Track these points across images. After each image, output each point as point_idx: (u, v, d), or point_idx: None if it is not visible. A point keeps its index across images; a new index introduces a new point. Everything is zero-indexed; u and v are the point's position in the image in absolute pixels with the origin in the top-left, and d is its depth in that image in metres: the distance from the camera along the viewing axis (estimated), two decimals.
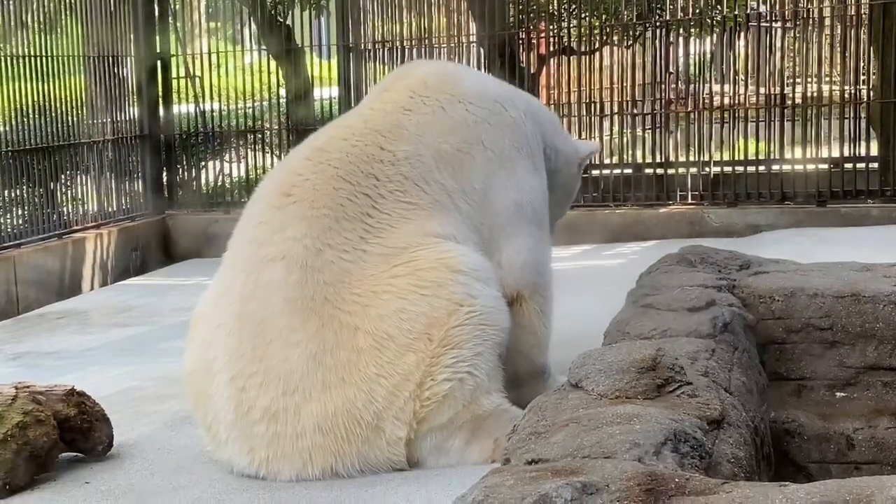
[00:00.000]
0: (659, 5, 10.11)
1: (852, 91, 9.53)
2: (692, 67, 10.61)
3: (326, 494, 3.48)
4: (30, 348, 6.97)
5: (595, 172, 9.90)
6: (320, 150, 4.03)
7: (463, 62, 10.13)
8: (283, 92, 10.99)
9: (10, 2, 8.83)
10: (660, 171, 9.94)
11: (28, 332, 7.57)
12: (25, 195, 9.09)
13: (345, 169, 3.93)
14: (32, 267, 8.60)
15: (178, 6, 11.19)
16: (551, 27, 10.50)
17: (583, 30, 10.25)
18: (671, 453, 2.27)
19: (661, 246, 8.06)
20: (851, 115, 9.52)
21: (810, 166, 9.54)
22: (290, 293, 3.67)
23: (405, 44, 10.49)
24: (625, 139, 10.13)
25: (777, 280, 3.98)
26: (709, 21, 10.30)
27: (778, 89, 9.80)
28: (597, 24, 10.26)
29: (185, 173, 11.12)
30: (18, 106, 8.87)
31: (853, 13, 9.58)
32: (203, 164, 11.21)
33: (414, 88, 4.22)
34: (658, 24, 10.09)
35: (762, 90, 9.94)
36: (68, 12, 9.71)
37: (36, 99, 9.04)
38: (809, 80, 9.69)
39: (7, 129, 8.82)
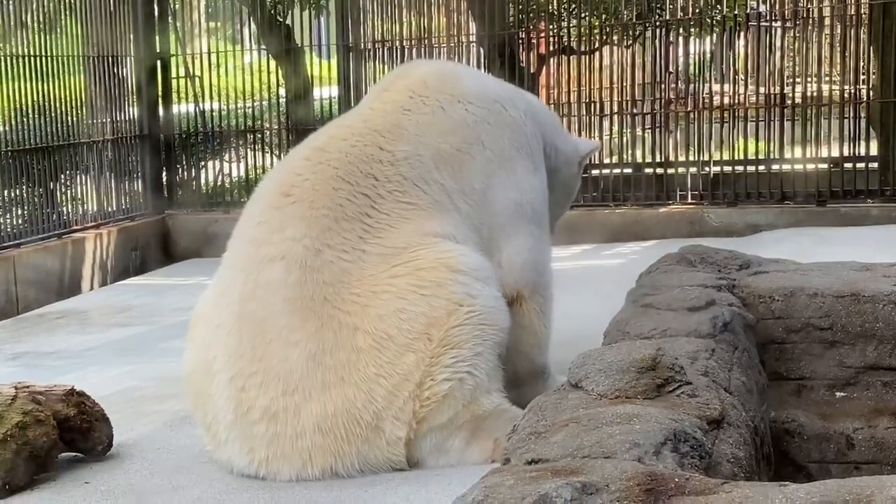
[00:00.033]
0: (659, 5, 10.11)
1: (852, 91, 9.53)
2: (692, 67, 10.62)
3: (326, 494, 3.48)
4: (29, 348, 6.96)
5: (595, 172, 9.90)
6: (320, 150, 4.03)
7: (463, 62, 10.13)
8: (282, 92, 10.99)
9: (10, 2, 8.82)
10: (660, 170, 9.95)
11: (28, 331, 7.57)
12: (25, 195, 9.09)
13: (344, 169, 3.92)
14: (32, 267, 8.60)
15: (177, 6, 11.19)
16: (551, 27, 10.50)
17: (582, 29, 10.25)
18: (671, 453, 2.27)
19: (660, 246, 8.06)
20: (851, 114, 9.52)
21: (810, 166, 9.54)
22: (289, 293, 3.67)
23: (405, 43, 10.49)
24: (624, 139, 10.13)
25: (777, 280, 3.98)
26: (708, 21, 10.30)
27: (778, 89, 9.80)
28: (596, 23, 10.26)
29: (185, 173, 11.12)
30: (18, 106, 8.87)
31: (853, 13, 9.58)
32: (203, 163, 11.21)
33: (413, 88, 4.22)
34: (658, 23, 10.09)
35: (762, 90, 9.94)
36: (68, 12, 9.71)
37: (36, 99, 9.04)
38: (809, 79, 9.69)
39: (7, 128, 8.81)
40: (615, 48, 10.15)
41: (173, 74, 11.00)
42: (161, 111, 10.89)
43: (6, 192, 8.85)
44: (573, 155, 4.82)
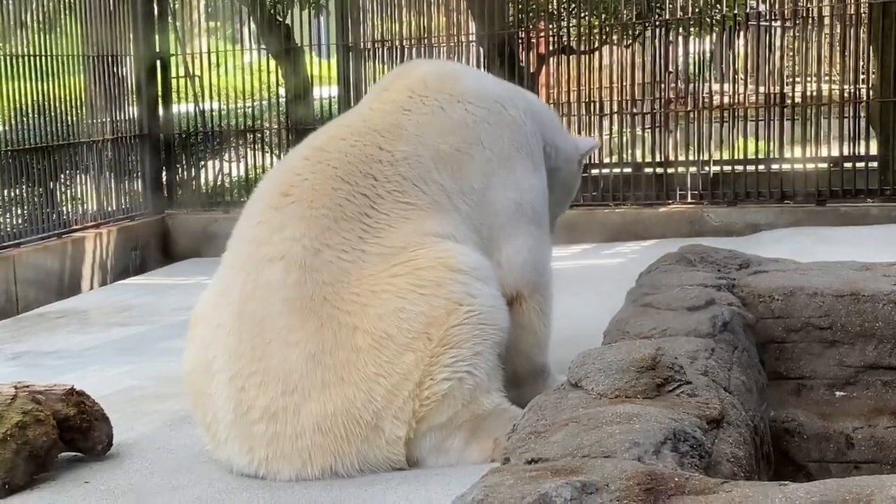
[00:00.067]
0: (658, 4, 10.11)
1: (852, 90, 9.53)
2: (692, 66, 10.62)
3: (326, 494, 3.48)
4: (29, 348, 6.96)
5: (595, 171, 9.90)
6: (319, 150, 4.03)
7: (462, 61, 10.13)
8: (282, 91, 10.99)
9: (10, 1, 8.82)
10: (659, 170, 9.95)
11: (27, 331, 7.57)
12: (25, 195, 9.09)
13: (343, 169, 3.92)
14: (32, 266, 8.60)
15: (177, 5, 11.20)
16: (551, 26, 10.50)
17: (582, 29, 10.25)
18: (671, 453, 2.27)
19: (660, 245, 8.06)
20: (851, 114, 9.52)
21: (810, 165, 9.55)
22: (288, 293, 3.67)
23: (405, 43, 10.49)
24: (624, 138, 10.13)
25: (776, 279, 3.98)
26: (708, 20, 10.31)
27: (777, 88, 9.80)
28: (596, 23, 10.26)
29: (185, 173, 11.12)
30: (18, 105, 8.87)
31: (853, 12, 9.58)
32: (202, 163, 11.21)
33: (413, 88, 4.21)
34: (657, 23, 10.09)
35: (762, 89, 9.94)
36: (67, 12, 9.71)
37: (35, 98, 9.04)
38: (809, 79, 9.69)
39: (6, 128, 8.81)
40: (615, 48, 10.15)
41: (173, 74, 11.00)
42: (161, 111, 10.89)
43: (6, 191, 8.85)
44: (573, 153, 4.82)
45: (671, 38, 10.14)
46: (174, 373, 4.45)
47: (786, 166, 9.60)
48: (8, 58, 8.71)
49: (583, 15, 10.27)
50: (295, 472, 3.60)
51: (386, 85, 4.36)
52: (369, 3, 10.64)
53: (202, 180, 11.15)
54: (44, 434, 3.78)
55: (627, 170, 9.98)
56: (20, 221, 8.94)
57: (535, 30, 10.52)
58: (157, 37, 10.83)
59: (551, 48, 10.45)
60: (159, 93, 10.87)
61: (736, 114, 9.85)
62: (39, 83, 9.07)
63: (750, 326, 3.71)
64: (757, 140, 10.07)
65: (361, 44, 10.52)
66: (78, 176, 9.72)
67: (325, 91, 11.42)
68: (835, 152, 9.54)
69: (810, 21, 9.70)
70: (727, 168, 9.77)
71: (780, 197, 9.48)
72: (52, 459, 3.87)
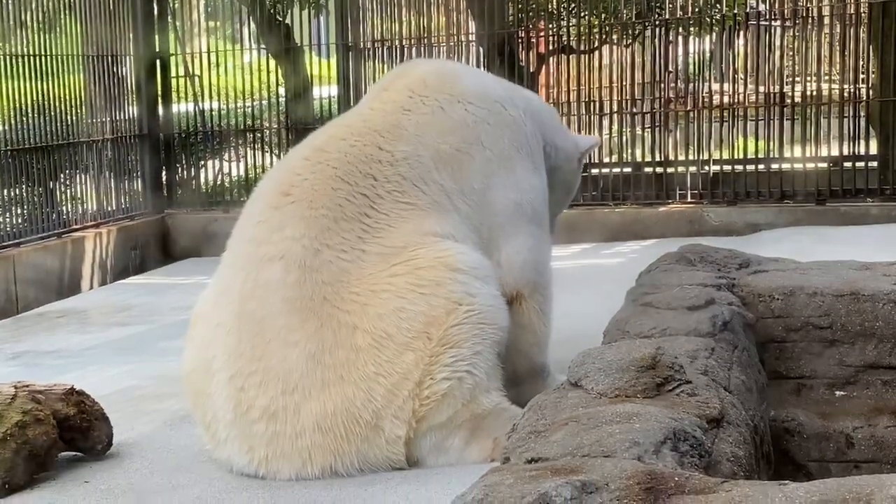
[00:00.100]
0: (658, 4, 10.11)
1: (852, 90, 9.53)
2: (691, 66, 10.62)
3: (326, 493, 3.48)
4: (29, 347, 6.96)
5: (595, 171, 9.90)
6: (319, 150, 4.03)
7: (462, 61, 10.13)
8: (282, 91, 10.99)
9: (10, 1, 8.82)
10: (659, 169, 9.95)
11: (27, 331, 7.57)
12: (25, 194, 9.09)
13: (343, 169, 3.92)
14: (32, 266, 8.60)
15: (177, 5, 11.19)
16: (550, 26, 10.50)
17: (582, 28, 10.25)
18: (671, 452, 2.27)
19: (660, 245, 8.06)
20: (851, 113, 9.53)
21: (810, 165, 9.55)
22: (288, 293, 3.67)
23: (404, 42, 10.49)
24: (624, 138, 10.13)
25: (776, 279, 3.98)
26: (708, 20, 10.31)
27: (777, 88, 9.81)
28: (596, 22, 10.26)
29: (185, 172, 11.12)
30: (18, 105, 8.87)
31: (852, 12, 9.58)
32: (202, 163, 11.21)
33: (413, 88, 4.21)
34: (657, 22, 10.09)
35: (761, 89, 9.94)
36: (67, 11, 9.71)
37: (35, 98, 9.04)
38: (809, 78, 9.69)
39: (6, 128, 8.81)
40: (615, 47, 10.16)
41: (173, 74, 11.00)
42: (160, 110, 10.89)
43: (6, 191, 8.84)
44: (573, 152, 4.81)
45: (671, 37, 10.14)
46: (174, 372, 4.45)
47: (786, 166, 9.60)
48: (8, 57, 8.71)
49: (583, 14, 10.27)
50: (295, 471, 3.60)
51: (386, 85, 4.36)
52: (369, 3, 10.64)
53: (202, 180, 11.15)
54: (44, 433, 3.78)
55: (627, 169, 9.98)
56: (20, 221, 8.94)
57: (535, 29, 10.52)
58: (156, 36, 10.83)
59: (551, 48, 10.45)
60: (159, 92, 10.87)
61: (736, 113, 9.85)
62: (39, 83, 9.07)
63: (750, 326, 3.71)
64: (757, 140, 10.08)
65: (361, 43, 10.52)
66: (78, 175, 9.72)
67: (324, 91, 11.43)
68: (835, 152, 9.54)
69: (810, 21, 9.70)
70: (727, 168, 9.77)
71: (780, 196, 9.48)
72: (52, 459, 3.87)
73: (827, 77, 9.83)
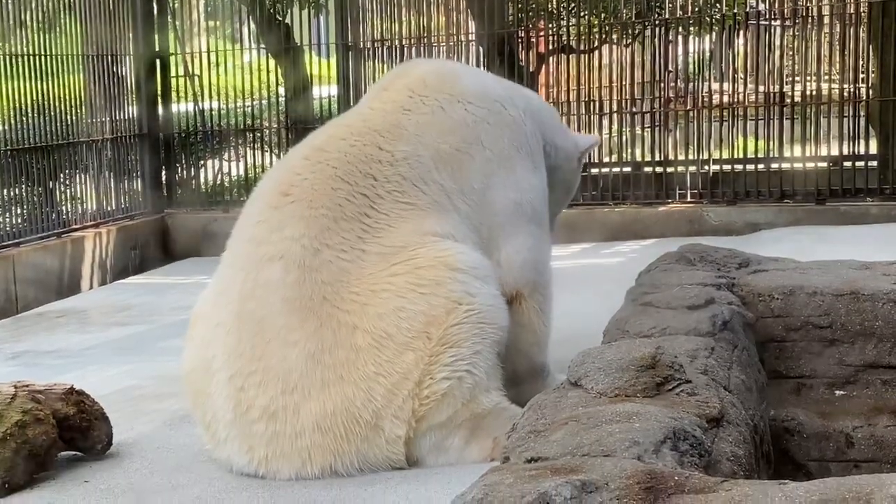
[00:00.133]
0: (658, 4, 10.11)
1: (851, 89, 9.53)
2: (691, 66, 10.62)
3: (326, 493, 3.48)
4: (29, 347, 6.96)
5: (594, 171, 9.90)
6: (319, 150, 4.03)
7: (462, 61, 10.13)
8: (282, 90, 10.98)
9: (10, 1, 8.82)
10: (659, 169, 9.95)
11: (27, 330, 7.57)
12: (24, 194, 9.08)
13: (343, 169, 3.92)
14: (31, 266, 8.59)
15: (176, 5, 11.19)
16: (550, 25, 10.50)
17: (582, 28, 10.25)
18: (670, 451, 2.27)
19: (660, 244, 8.06)
20: (850, 113, 9.53)
21: (809, 164, 9.55)
22: (288, 292, 3.66)
23: (404, 42, 10.49)
24: (624, 137, 10.13)
25: (776, 278, 3.98)
26: (708, 19, 10.31)
27: (777, 87, 9.81)
28: (596, 22, 10.26)
29: (184, 172, 11.12)
30: (17, 105, 8.87)
31: (852, 11, 9.58)
32: (202, 162, 11.21)
33: (413, 87, 4.21)
34: (657, 22, 10.09)
35: (761, 88, 9.94)
36: (67, 11, 9.71)
37: (35, 98, 9.03)
38: (809, 78, 9.70)
39: (6, 128, 8.81)
40: (614, 47, 10.16)
41: (172, 73, 11.00)
42: (160, 110, 10.89)
43: (5, 191, 8.84)
44: (573, 151, 4.81)
45: (671, 37, 10.15)
46: (174, 372, 4.45)
47: (785, 165, 9.61)
48: (7, 57, 8.70)
49: (582, 14, 10.27)
50: (294, 471, 3.60)
51: (385, 84, 4.36)
52: (369, 3, 10.64)
53: (202, 179, 11.15)
54: (43, 433, 3.78)
55: (627, 169, 9.98)
56: (20, 221, 8.94)
57: (535, 29, 10.52)
58: (156, 36, 10.83)
59: (551, 47, 10.45)
60: (159, 92, 10.87)
61: (735, 113, 9.85)
62: (39, 83, 9.06)
63: (750, 325, 3.71)
64: (756, 139, 10.08)
65: (361, 43, 10.52)
66: (77, 175, 9.72)
67: (324, 90, 11.43)
68: (834, 151, 9.54)
69: (810, 20, 9.70)
70: (727, 167, 9.77)
71: (780, 196, 9.49)
72: (52, 458, 3.87)
73: (827, 77, 9.83)
